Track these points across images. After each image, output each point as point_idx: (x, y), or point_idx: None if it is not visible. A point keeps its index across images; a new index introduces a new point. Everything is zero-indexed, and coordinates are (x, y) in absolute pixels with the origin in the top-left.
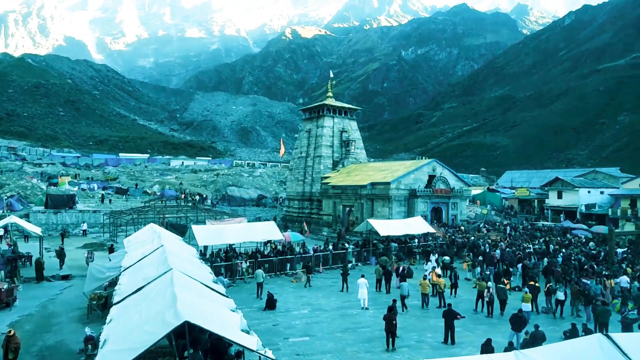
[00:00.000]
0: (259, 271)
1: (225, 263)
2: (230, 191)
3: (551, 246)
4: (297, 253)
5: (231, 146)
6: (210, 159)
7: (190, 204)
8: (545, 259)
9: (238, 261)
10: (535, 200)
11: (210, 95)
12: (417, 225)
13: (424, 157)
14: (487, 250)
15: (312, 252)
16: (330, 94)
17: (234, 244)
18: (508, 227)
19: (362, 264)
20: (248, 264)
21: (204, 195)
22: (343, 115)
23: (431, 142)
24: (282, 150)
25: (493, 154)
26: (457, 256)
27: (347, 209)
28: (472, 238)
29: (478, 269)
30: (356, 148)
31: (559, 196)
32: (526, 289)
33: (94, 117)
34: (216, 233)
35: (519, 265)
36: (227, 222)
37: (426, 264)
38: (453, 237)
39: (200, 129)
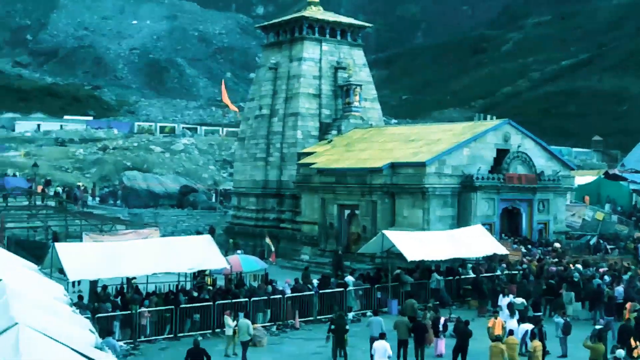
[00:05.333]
0: (243, 322)
1: (120, 312)
2: (130, 180)
3: None
4: (252, 292)
5: (130, 95)
6: (90, 119)
7: (53, 203)
8: None
9: (143, 308)
10: None
11: None
12: (476, 242)
13: (488, 117)
14: (602, 287)
15: (288, 291)
16: None
17: (134, 278)
18: None
19: (372, 312)
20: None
21: (81, 187)
22: (339, 38)
23: (502, 88)
24: (227, 102)
25: (616, 110)
26: (550, 297)
27: (348, 212)
28: (577, 265)
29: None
30: (364, 100)
31: None
32: None
33: None
34: (103, 258)
35: None
36: (123, 236)
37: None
38: (542, 263)
39: (70, 63)
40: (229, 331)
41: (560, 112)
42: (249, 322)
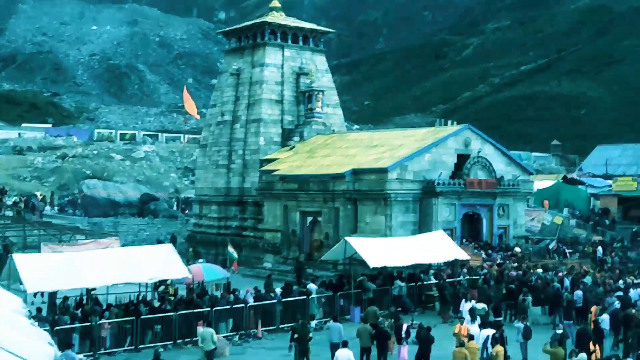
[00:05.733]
0: (206, 331)
1: (79, 325)
2: (90, 188)
3: None
4: (215, 302)
5: (90, 102)
6: (49, 126)
7: (10, 213)
8: None
9: (103, 320)
10: None
11: (49, 2)
12: (438, 248)
13: (449, 122)
14: (561, 290)
15: (250, 300)
16: (276, 2)
17: (94, 289)
18: (600, 248)
19: (333, 320)
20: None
21: (39, 196)
22: (301, 43)
23: (463, 93)
24: (191, 108)
25: (574, 114)
26: (510, 302)
27: (310, 219)
28: (537, 270)
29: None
30: (326, 106)
31: None
32: None
33: None
34: (62, 268)
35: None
36: (82, 246)
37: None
38: (502, 267)
39: (29, 69)
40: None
41: (520, 117)
42: (212, 330)
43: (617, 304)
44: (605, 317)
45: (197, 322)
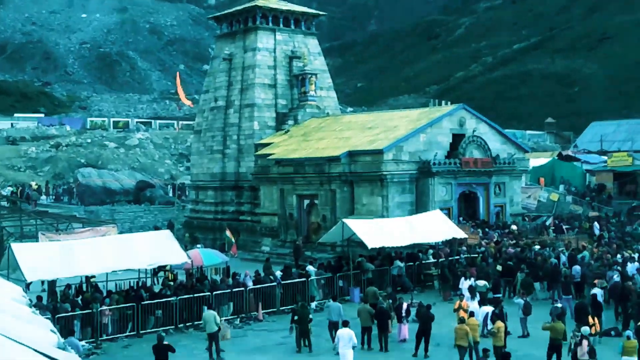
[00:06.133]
0: (209, 313)
1: (80, 312)
2: (84, 177)
3: None
4: (215, 286)
5: (82, 90)
6: (42, 116)
7: (6, 203)
8: None
9: (104, 307)
10: None
11: None
12: (435, 227)
13: (442, 103)
14: (559, 265)
15: (249, 284)
16: None
17: (94, 276)
18: (597, 224)
19: (332, 300)
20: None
21: (34, 186)
22: (293, 27)
23: (456, 73)
24: (182, 95)
25: (568, 92)
26: (509, 279)
27: (307, 202)
28: (534, 246)
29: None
30: (319, 89)
31: None
32: (629, 333)
33: None
34: (60, 257)
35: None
36: (79, 234)
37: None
38: (500, 245)
39: (19, 59)
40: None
41: (513, 96)
42: (214, 313)
43: (616, 277)
44: (599, 291)
45: (197, 306)
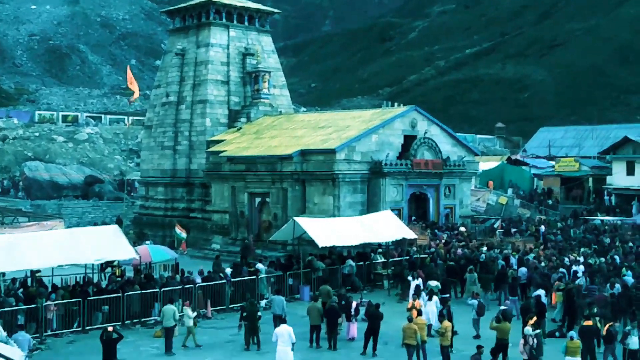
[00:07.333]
0: (168, 308)
1: (24, 306)
2: (31, 170)
3: (617, 257)
4: (165, 282)
5: (30, 83)
6: None
7: None
8: (617, 284)
9: (50, 302)
10: (590, 179)
11: None
12: (386, 227)
13: (395, 104)
14: (507, 267)
15: (198, 280)
16: None
17: (39, 271)
18: (543, 227)
19: (285, 299)
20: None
21: None
22: (247, 24)
23: (409, 76)
24: (134, 88)
25: (518, 97)
26: (455, 280)
27: (259, 200)
28: (483, 248)
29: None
30: (272, 87)
31: (630, 171)
32: (572, 334)
33: None
34: (5, 250)
35: (560, 293)
36: (25, 228)
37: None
38: (449, 246)
39: None
40: (188, 322)
41: (465, 100)
42: (174, 307)
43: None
44: (542, 292)
45: (145, 303)
